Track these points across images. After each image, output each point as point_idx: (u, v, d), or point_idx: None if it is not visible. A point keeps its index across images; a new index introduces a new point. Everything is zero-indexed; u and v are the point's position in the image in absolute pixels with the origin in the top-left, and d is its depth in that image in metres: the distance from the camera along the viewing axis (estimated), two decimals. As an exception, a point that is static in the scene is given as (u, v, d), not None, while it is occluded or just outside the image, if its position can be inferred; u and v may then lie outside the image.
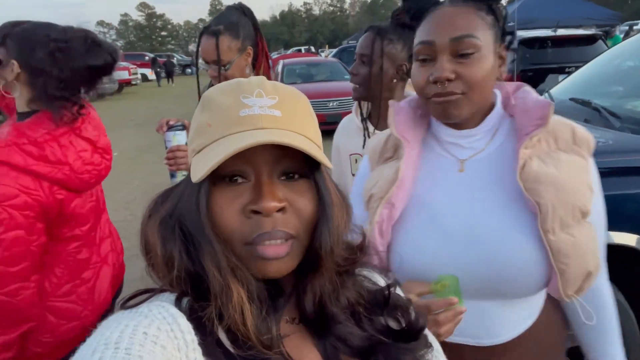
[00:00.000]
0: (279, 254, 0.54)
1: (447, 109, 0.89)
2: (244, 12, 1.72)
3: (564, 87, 3.08)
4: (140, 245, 0.58)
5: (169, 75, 25.59)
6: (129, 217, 4.94)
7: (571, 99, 2.73)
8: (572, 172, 0.88)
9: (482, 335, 0.93)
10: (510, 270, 0.87)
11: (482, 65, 0.87)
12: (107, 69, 1.38)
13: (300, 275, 0.59)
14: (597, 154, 2.01)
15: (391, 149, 1.03)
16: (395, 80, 1.46)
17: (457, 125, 0.96)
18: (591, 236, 0.88)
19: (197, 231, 0.54)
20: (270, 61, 1.84)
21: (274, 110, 0.55)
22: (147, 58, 29.87)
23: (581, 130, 0.94)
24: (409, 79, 1.51)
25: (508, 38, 0.95)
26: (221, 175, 0.55)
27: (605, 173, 1.88)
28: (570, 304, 0.96)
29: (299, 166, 0.57)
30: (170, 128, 1.57)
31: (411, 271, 0.91)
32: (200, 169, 0.53)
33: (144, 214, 0.60)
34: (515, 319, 0.94)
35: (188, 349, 0.48)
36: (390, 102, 1.06)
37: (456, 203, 0.94)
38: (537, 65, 6.63)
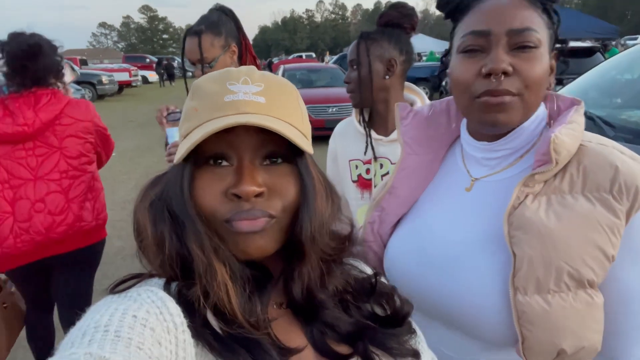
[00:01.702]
0: (254, 227, 0.55)
1: (498, 114, 0.75)
2: (225, 12, 1.78)
3: (560, 96, 3.12)
4: (133, 228, 0.59)
5: (170, 77, 26.28)
6: (125, 217, 4.94)
7: (567, 109, 2.76)
8: (579, 228, 0.70)
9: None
10: (469, 311, 0.77)
11: (542, 64, 0.74)
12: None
13: (288, 261, 0.61)
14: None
15: None
16: (387, 77, 1.45)
17: (485, 137, 0.84)
18: (582, 311, 0.70)
19: (181, 212, 0.55)
20: (257, 60, 1.88)
21: (258, 97, 0.56)
22: (147, 60, 30.19)
23: (631, 173, 0.71)
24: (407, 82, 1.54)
25: (558, 46, 0.81)
26: (205, 158, 0.57)
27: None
28: None
29: (282, 151, 0.58)
30: (170, 114, 1.62)
31: (394, 278, 0.89)
32: (181, 151, 0.55)
33: (136, 198, 0.61)
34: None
35: (177, 331, 0.48)
36: (399, 104, 0.98)
37: (446, 225, 0.86)
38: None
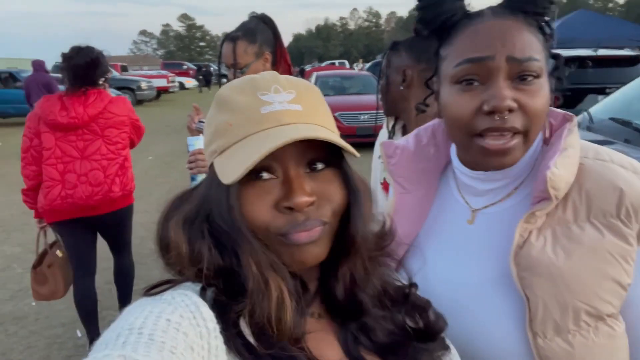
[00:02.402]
0: (311, 237, 0.54)
1: (503, 158, 0.69)
2: (264, 20, 1.82)
3: (603, 106, 3.01)
4: (157, 245, 0.59)
5: (207, 83, 27.31)
6: (160, 219, 5.07)
7: (611, 119, 2.66)
8: (590, 261, 0.67)
9: None
10: (491, 356, 0.72)
11: (545, 94, 0.68)
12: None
13: (328, 265, 0.60)
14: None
15: None
16: (402, 88, 1.45)
17: (475, 164, 0.77)
18: (607, 345, 0.67)
19: (232, 229, 0.54)
20: (291, 68, 1.93)
21: (294, 105, 0.56)
22: (185, 67, 31.17)
23: (637, 194, 0.67)
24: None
25: (551, 62, 0.74)
26: (247, 173, 0.55)
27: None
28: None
29: (323, 156, 0.57)
30: (199, 122, 1.72)
31: None
32: (232, 170, 0.53)
33: (160, 215, 0.60)
34: None
35: (210, 337, 0.48)
36: (382, 142, 0.92)
37: (450, 263, 0.79)
38: (575, 85, 6.45)
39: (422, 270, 0.79)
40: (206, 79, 27.05)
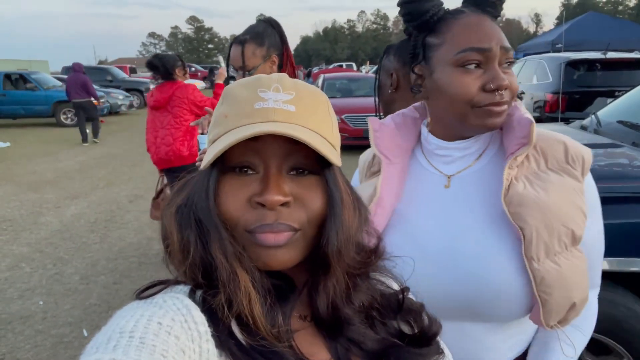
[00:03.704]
0: (278, 241, 0.54)
1: (498, 119, 0.86)
2: (272, 24, 1.85)
3: (611, 109, 2.98)
4: (160, 232, 0.60)
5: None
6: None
7: (619, 122, 2.64)
8: (562, 194, 0.84)
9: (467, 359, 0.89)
10: (489, 294, 0.83)
11: (516, 77, 0.88)
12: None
13: (313, 273, 0.59)
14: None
15: (377, 163, 1.01)
16: (390, 91, 1.48)
17: (450, 137, 0.94)
18: (580, 266, 0.83)
19: (205, 218, 0.55)
20: (296, 70, 1.96)
21: (289, 105, 0.56)
22: (193, 69, 31.28)
23: (575, 146, 0.89)
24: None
25: None
26: (231, 166, 0.56)
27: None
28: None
29: (310, 162, 0.57)
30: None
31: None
32: (208, 156, 0.55)
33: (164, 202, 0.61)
34: (501, 345, 0.90)
35: (201, 340, 0.48)
36: (370, 118, 1.05)
37: (438, 221, 0.91)
38: (584, 87, 6.41)
39: (414, 234, 0.91)
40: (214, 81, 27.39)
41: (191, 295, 0.54)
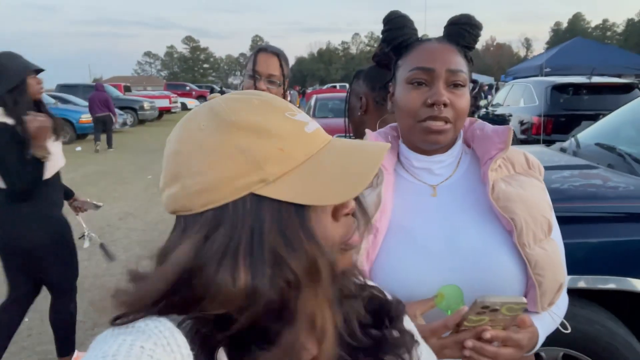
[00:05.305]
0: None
1: (439, 136, 0.96)
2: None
3: (590, 132, 3.06)
4: (173, 276, 0.51)
5: None
6: (156, 237, 5.09)
7: (596, 144, 2.72)
8: (534, 191, 0.98)
9: None
10: (492, 284, 0.91)
11: (467, 99, 0.97)
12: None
13: None
14: (618, 198, 2.00)
15: (380, 173, 1.03)
16: (360, 113, 1.54)
17: (427, 152, 1.03)
18: (557, 251, 0.97)
19: (301, 259, 0.50)
20: (292, 90, 2.04)
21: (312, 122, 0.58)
22: (187, 88, 31.49)
23: (532, 155, 1.06)
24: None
25: (471, 85, 1.02)
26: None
27: (625, 218, 1.88)
28: None
29: None
30: None
31: (396, 294, 0.90)
32: (332, 190, 0.52)
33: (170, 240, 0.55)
34: None
35: None
36: (367, 131, 1.11)
37: (434, 224, 0.98)
38: (570, 111, 6.54)
39: (411, 237, 0.97)
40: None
41: (178, 322, 0.51)
